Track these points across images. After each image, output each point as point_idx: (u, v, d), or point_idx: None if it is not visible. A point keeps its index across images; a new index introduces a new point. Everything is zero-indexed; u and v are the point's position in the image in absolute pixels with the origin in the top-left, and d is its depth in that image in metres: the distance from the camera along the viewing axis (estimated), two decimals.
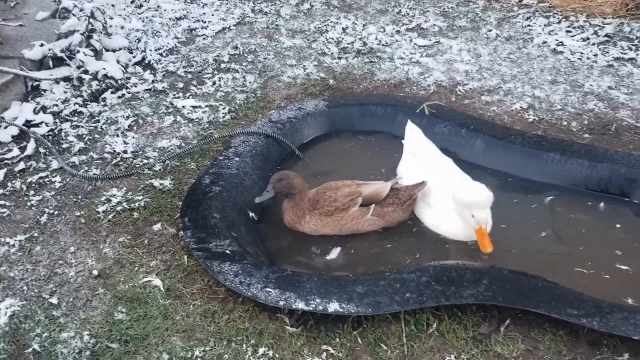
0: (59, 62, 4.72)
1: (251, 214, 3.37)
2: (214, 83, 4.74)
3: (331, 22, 5.77)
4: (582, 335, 2.63)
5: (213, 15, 6.01)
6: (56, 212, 3.42)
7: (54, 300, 2.87)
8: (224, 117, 4.27)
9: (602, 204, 3.42)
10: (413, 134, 3.64)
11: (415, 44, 5.26)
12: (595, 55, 4.89)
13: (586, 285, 2.89)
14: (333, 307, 2.60)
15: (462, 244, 3.21)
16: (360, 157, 3.92)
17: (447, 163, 3.48)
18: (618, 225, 3.28)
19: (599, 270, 3.01)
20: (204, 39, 5.53)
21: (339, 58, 5.08)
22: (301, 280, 2.73)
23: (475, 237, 3.10)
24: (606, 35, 5.20)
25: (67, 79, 4.67)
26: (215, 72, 4.92)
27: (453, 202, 3.14)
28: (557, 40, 5.15)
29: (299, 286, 2.69)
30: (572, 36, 5.23)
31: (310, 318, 2.71)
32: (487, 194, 3.04)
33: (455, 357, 2.55)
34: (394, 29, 5.55)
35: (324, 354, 2.57)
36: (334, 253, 3.14)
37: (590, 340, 2.61)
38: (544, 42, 5.16)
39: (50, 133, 4.12)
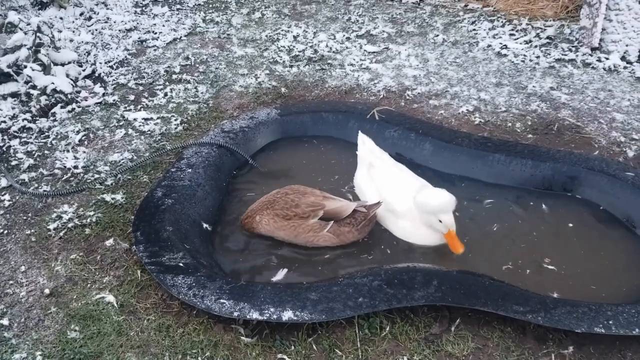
0: (5, 77, 4.65)
1: (205, 225, 3.38)
2: (166, 94, 4.73)
3: (282, 30, 5.82)
4: (529, 330, 2.72)
5: (164, 26, 5.99)
6: (6, 232, 3.37)
7: (5, 322, 2.83)
8: (176, 128, 4.27)
9: (543, 205, 3.54)
10: (365, 144, 3.69)
11: (365, 50, 5.34)
12: (538, 57, 5.06)
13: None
14: (287, 315, 2.64)
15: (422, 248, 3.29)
16: (314, 165, 3.97)
17: (404, 171, 3.54)
18: (570, 225, 3.40)
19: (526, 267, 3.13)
20: (154, 50, 5.51)
21: (291, 66, 5.12)
22: (255, 290, 2.76)
23: (443, 242, 3.21)
24: (548, 38, 5.38)
25: (14, 95, 4.60)
26: (167, 83, 4.91)
27: (418, 211, 3.19)
28: (501, 43, 5.30)
29: (252, 296, 2.71)
30: (515, 39, 5.39)
31: (265, 327, 2.74)
32: (449, 197, 3.12)
33: (408, 359, 2.61)
34: (344, 35, 5.63)
35: None
36: (280, 274, 3.12)
37: (537, 335, 2.71)
38: (489, 46, 5.30)
39: None
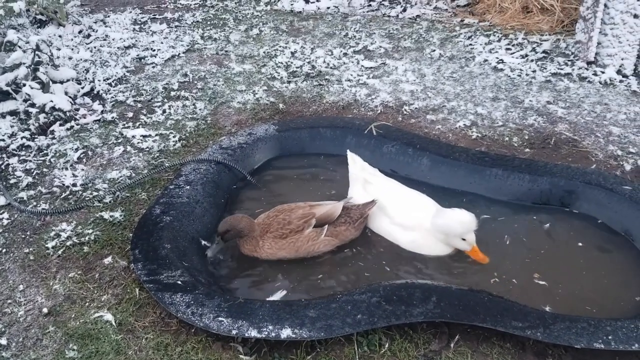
0: (4, 95, 4.67)
1: (203, 242, 3.38)
2: (164, 111, 4.75)
3: (280, 46, 5.86)
4: (528, 346, 2.71)
5: (162, 43, 6.03)
6: (4, 250, 3.37)
7: (3, 341, 2.82)
8: (174, 145, 4.28)
9: (540, 219, 3.54)
10: (356, 163, 3.69)
11: (362, 65, 5.38)
12: (534, 71, 5.09)
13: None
14: (286, 333, 2.63)
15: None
16: (312, 180, 3.98)
17: (397, 185, 3.56)
18: (580, 244, 3.37)
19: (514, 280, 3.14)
20: (153, 67, 5.54)
21: (288, 82, 5.15)
22: (253, 307, 2.75)
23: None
24: (544, 52, 5.41)
25: (13, 113, 4.62)
26: (165, 100, 4.93)
27: (437, 232, 3.23)
28: (497, 58, 5.33)
29: (251, 314, 2.71)
30: (511, 54, 5.42)
31: (264, 345, 2.73)
32: (471, 217, 3.16)
33: None
34: (341, 51, 5.66)
35: None
36: (278, 295, 3.08)
37: (536, 350, 2.69)
38: (485, 60, 5.34)
39: None
